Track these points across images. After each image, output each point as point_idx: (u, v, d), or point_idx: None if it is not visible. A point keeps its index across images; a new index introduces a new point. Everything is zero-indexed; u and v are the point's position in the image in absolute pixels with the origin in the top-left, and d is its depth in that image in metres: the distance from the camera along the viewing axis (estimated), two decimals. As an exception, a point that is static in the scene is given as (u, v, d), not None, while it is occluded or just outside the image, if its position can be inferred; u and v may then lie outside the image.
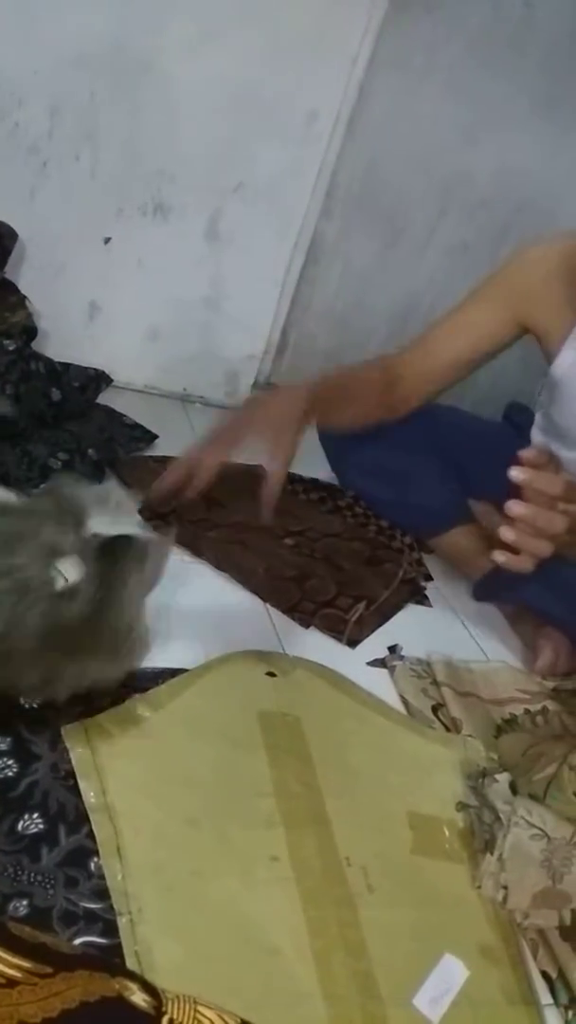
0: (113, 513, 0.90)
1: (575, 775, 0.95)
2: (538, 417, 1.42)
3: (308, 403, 1.18)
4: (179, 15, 1.53)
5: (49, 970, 0.56)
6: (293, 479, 1.69)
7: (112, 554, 0.88)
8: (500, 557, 0.83)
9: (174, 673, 1.09)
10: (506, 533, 0.81)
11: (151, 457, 1.61)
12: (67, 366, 1.64)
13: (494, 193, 1.83)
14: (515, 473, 0.80)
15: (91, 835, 0.86)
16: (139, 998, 0.57)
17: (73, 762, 0.92)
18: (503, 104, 1.75)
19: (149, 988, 0.59)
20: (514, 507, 0.80)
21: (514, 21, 1.69)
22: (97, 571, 0.87)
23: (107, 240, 1.73)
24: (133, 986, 0.58)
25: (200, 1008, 0.59)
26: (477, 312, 1.34)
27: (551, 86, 1.73)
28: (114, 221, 1.71)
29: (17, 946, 0.57)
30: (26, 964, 0.56)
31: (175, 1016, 0.57)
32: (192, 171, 1.68)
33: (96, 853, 0.84)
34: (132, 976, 0.60)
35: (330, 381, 1.31)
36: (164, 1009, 0.58)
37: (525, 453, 0.80)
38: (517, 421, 1.50)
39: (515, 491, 1.51)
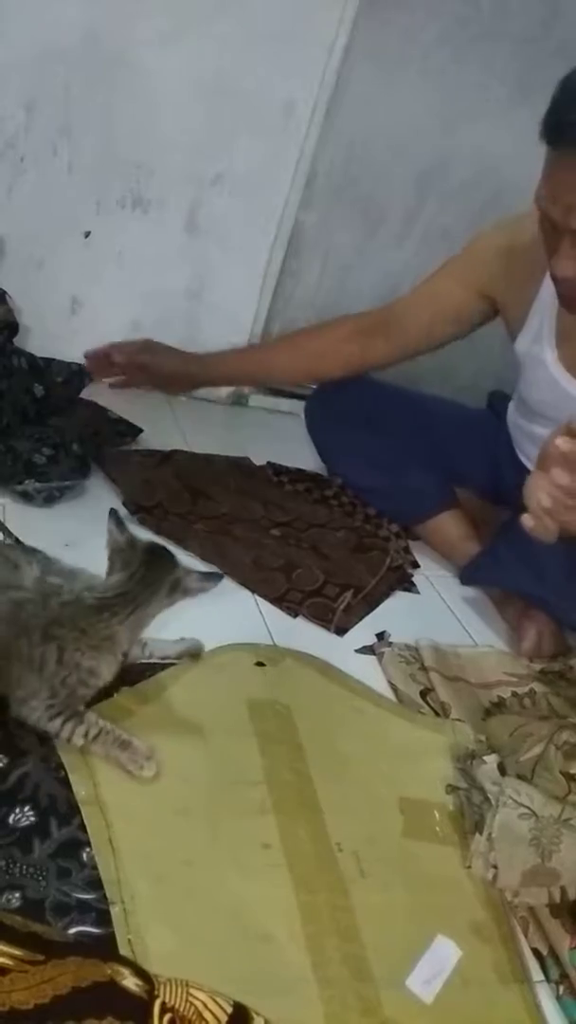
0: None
1: (561, 754, 0.96)
2: (514, 396, 1.44)
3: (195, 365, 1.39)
4: (153, 6, 1.52)
5: (40, 957, 0.57)
6: (279, 470, 1.69)
7: (153, 560, 1.00)
8: (529, 522, 0.85)
9: (163, 666, 1.09)
10: (544, 500, 0.83)
11: (137, 451, 1.61)
12: (50, 361, 1.63)
13: (472, 179, 1.83)
14: (561, 442, 0.82)
15: (83, 826, 0.86)
16: (131, 982, 0.58)
17: (62, 756, 0.92)
18: (479, 92, 1.75)
19: (141, 973, 0.60)
20: (563, 445, 0.81)
21: (487, 10, 1.69)
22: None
23: (87, 234, 1.72)
24: (125, 971, 0.59)
25: (192, 991, 0.60)
26: (446, 284, 1.36)
27: (525, 73, 1.73)
28: (93, 215, 1.70)
29: (8, 935, 0.57)
30: (17, 952, 0.56)
31: (167, 1000, 0.58)
32: (170, 163, 1.67)
33: (88, 844, 0.85)
34: (124, 962, 0.61)
35: (244, 355, 1.46)
36: (156, 993, 0.58)
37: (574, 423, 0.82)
38: (499, 409, 1.51)
39: (497, 475, 1.52)
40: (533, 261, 1.22)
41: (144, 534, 1.37)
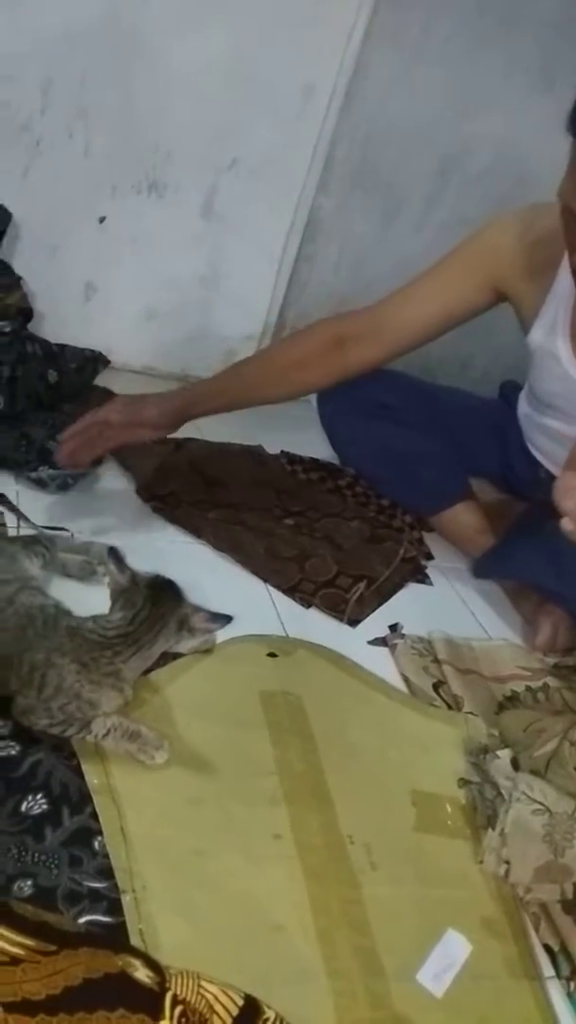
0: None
1: (576, 750, 0.95)
2: (525, 387, 1.42)
3: (159, 409, 1.26)
4: (171, -12, 1.51)
5: (52, 948, 0.56)
6: (293, 459, 1.68)
7: (157, 597, 0.98)
8: (569, 525, 0.83)
9: (175, 656, 1.09)
10: None
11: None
12: (64, 347, 1.63)
13: (492, 167, 1.81)
14: None
15: (94, 815, 0.86)
16: (142, 974, 0.58)
17: (75, 746, 0.92)
18: (499, 78, 1.73)
19: (152, 964, 0.60)
20: None
21: (508, -5, 1.66)
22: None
23: (102, 219, 1.71)
24: (136, 963, 0.59)
25: (203, 983, 0.60)
26: (450, 276, 1.30)
27: (546, 59, 1.70)
28: (108, 199, 1.69)
29: (20, 925, 0.57)
30: (29, 942, 0.56)
31: (178, 992, 0.58)
32: (186, 148, 1.66)
33: (100, 832, 0.85)
34: (136, 953, 0.61)
35: (224, 378, 1.34)
36: (168, 985, 0.58)
37: None
38: (512, 399, 1.50)
39: (508, 465, 1.51)
40: (548, 253, 1.20)
41: (157, 522, 1.38)
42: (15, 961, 0.55)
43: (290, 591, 1.30)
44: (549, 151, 1.05)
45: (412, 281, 1.33)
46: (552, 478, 1.38)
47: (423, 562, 1.48)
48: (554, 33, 1.70)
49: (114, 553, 1.01)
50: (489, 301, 1.31)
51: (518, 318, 1.31)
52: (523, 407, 1.43)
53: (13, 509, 1.26)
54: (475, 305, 1.31)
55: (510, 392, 1.54)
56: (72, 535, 1.23)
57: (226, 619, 1.02)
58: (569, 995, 0.84)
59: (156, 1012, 0.57)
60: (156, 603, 0.98)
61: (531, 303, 1.26)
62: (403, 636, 1.26)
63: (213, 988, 0.60)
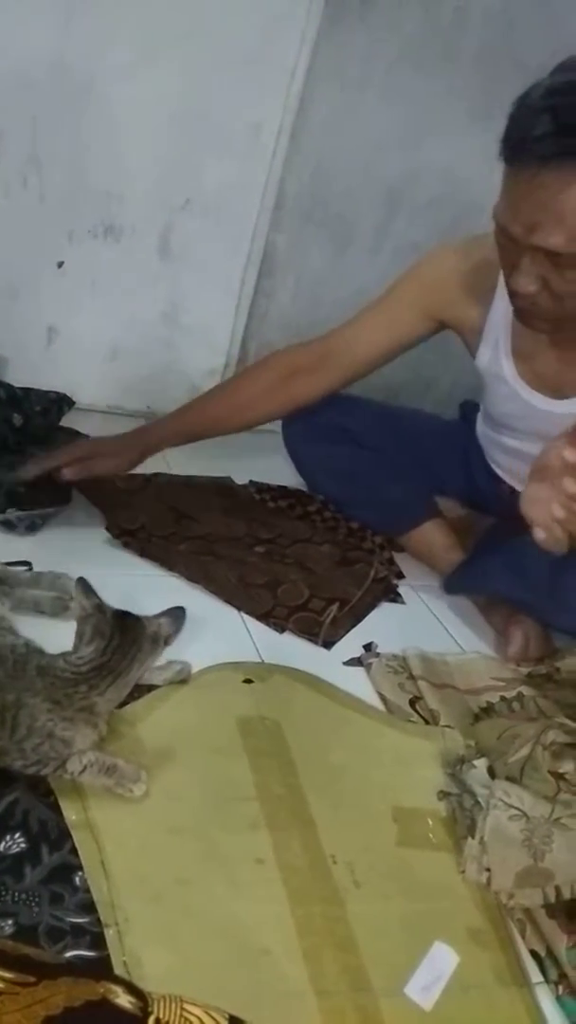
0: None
1: (549, 754, 0.96)
2: (481, 408, 1.46)
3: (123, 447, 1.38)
4: (118, 35, 1.54)
5: (32, 979, 0.56)
6: (261, 488, 1.70)
7: (125, 624, 1.00)
8: (540, 535, 0.85)
9: (150, 688, 1.09)
10: (557, 511, 0.83)
11: (117, 477, 1.61)
12: (28, 391, 1.64)
13: (439, 194, 1.86)
14: (568, 454, 0.82)
15: (74, 850, 0.86)
16: (124, 1000, 0.57)
17: (51, 782, 0.92)
18: (441, 108, 1.78)
19: (134, 990, 0.60)
20: (570, 456, 0.82)
21: (446, 27, 1.72)
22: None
23: (60, 264, 1.74)
24: (118, 989, 0.59)
25: (186, 1006, 0.60)
26: (391, 309, 1.37)
27: (486, 89, 1.76)
28: (66, 244, 1.72)
29: (-2, 958, 0.57)
30: (8, 975, 0.56)
31: (161, 1015, 0.58)
32: (140, 190, 1.69)
33: (80, 868, 0.84)
34: (117, 980, 0.60)
35: (182, 412, 1.44)
36: (150, 1009, 0.58)
37: None
38: (472, 419, 1.53)
39: (472, 483, 1.54)
40: (485, 280, 1.25)
41: (128, 557, 1.38)
42: (-6, 994, 0.55)
43: (264, 617, 1.31)
44: (491, 177, 1.09)
45: (358, 314, 1.40)
46: (515, 493, 1.42)
47: (394, 581, 1.49)
48: (493, 61, 1.76)
49: (82, 581, 1.02)
50: (430, 330, 1.37)
51: (464, 344, 1.35)
52: (481, 427, 1.46)
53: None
54: (416, 335, 1.37)
55: (470, 411, 1.57)
56: (30, 567, 1.24)
57: (180, 611, 1.07)
58: (558, 999, 0.85)
59: (140, 1038, 0.57)
60: (125, 630, 0.99)
61: (473, 329, 1.31)
62: (378, 655, 1.27)
63: (196, 1010, 0.60)
